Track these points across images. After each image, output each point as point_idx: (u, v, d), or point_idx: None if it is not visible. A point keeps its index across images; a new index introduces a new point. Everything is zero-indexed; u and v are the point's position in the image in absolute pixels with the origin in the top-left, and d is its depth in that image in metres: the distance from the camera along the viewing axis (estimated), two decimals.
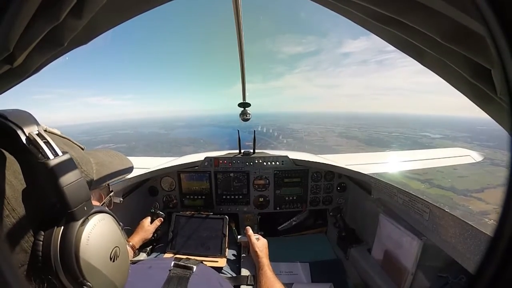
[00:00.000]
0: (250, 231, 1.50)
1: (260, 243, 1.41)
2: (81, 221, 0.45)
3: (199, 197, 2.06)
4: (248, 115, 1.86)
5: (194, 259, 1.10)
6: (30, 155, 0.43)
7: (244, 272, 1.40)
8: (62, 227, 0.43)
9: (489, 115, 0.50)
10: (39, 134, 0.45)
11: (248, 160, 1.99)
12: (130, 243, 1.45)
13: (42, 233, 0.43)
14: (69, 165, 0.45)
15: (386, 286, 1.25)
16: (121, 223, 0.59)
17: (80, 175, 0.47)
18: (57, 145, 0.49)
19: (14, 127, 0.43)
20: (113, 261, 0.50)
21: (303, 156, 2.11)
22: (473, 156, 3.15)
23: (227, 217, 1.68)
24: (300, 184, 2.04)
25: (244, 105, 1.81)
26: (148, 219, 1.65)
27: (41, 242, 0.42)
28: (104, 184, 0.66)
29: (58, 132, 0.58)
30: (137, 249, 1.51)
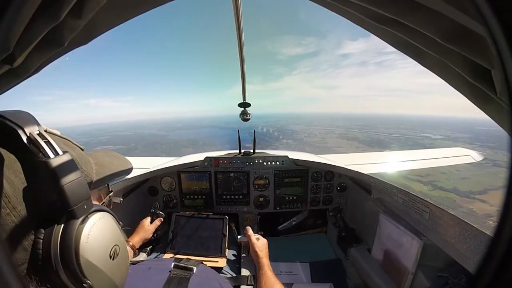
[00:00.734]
0: (250, 231, 1.50)
1: (260, 243, 1.41)
2: (81, 219, 0.45)
3: (199, 197, 2.06)
4: (248, 115, 1.87)
5: (194, 259, 1.09)
6: (31, 154, 0.44)
7: (244, 272, 1.40)
8: (62, 225, 0.44)
9: (489, 116, 0.50)
10: (39, 134, 0.46)
11: (248, 160, 1.99)
12: (130, 243, 1.45)
13: (42, 231, 0.43)
14: (69, 164, 0.46)
15: (386, 286, 1.25)
16: (120, 223, 0.59)
17: (80, 174, 0.47)
18: (58, 144, 0.49)
19: (15, 127, 0.44)
20: (113, 259, 0.50)
21: (303, 156, 2.11)
22: (473, 156, 3.15)
23: (227, 217, 1.68)
24: (300, 184, 2.04)
25: (244, 105, 1.81)
26: (148, 219, 1.65)
27: (41, 240, 0.42)
28: (103, 184, 0.66)
29: (58, 133, 0.58)
30: (137, 249, 1.51)
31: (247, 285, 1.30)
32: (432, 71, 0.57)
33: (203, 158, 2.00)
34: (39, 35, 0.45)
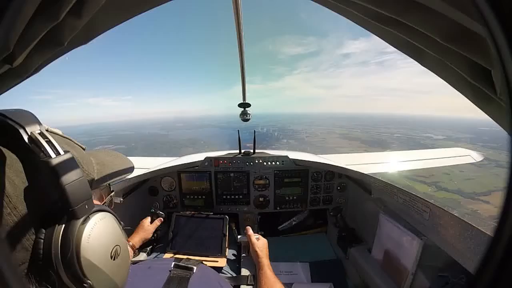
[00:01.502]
0: (250, 231, 1.50)
1: (260, 243, 1.41)
2: (82, 219, 0.45)
3: (199, 197, 2.06)
4: (248, 115, 1.87)
5: (194, 259, 1.09)
6: (32, 154, 0.44)
7: (244, 272, 1.40)
8: (63, 225, 0.44)
9: (489, 116, 0.50)
10: (41, 133, 0.46)
11: (248, 160, 1.99)
12: (130, 243, 1.45)
13: (43, 231, 0.43)
14: (70, 164, 0.46)
15: (386, 285, 1.25)
16: (122, 223, 0.59)
17: (81, 173, 0.47)
18: (58, 145, 0.49)
19: (16, 126, 0.44)
20: (114, 259, 0.50)
21: (303, 156, 2.11)
22: (473, 156, 3.16)
23: (227, 217, 1.68)
24: (300, 184, 2.04)
25: (244, 105, 1.81)
26: (148, 219, 1.65)
27: (42, 240, 0.42)
28: (105, 184, 0.66)
29: (60, 132, 0.58)
30: (137, 249, 1.51)
31: (247, 285, 1.30)
32: (432, 71, 0.57)
33: (203, 158, 2.00)
34: (39, 35, 0.45)
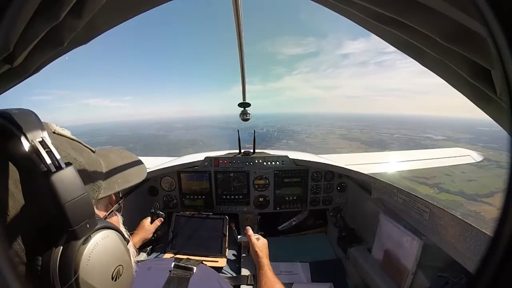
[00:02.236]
0: (250, 231, 1.50)
1: (260, 243, 1.41)
2: (82, 239, 0.42)
3: (199, 197, 2.06)
4: (248, 115, 1.87)
5: (194, 259, 1.09)
6: (32, 164, 0.41)
7: (244, 272, 1.40)
8: (62, 247, 0.41)
9: (489, 116, 0.50)
10: (42, 142, 0.42)
11: (248, 160, 1.99)
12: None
13: (40, 258, 0.40)
14: (72, 179, 0.42)
15: (386, 286, 1.25)
16: (128, 237, 0.55)
17: (83, 190, 0.43)
18: (64, 150, 0.46)
19: (17, 132, 0.41)
20: (115, 280, 0.47)
21: (303, 156, 2.11)
22: (473, 156, 3.16)
23: (227, 217, 1.68)
24: (300, 184, 2.04)
25: (244, 105, 1.82)
26: (148, 219, 1.65)
27: (39, 267, 0.40)
28: (113, 192, 0.60)
29: (68, 134, 0.55)
30: (137, 249, 1.51)
31: (247, 284, 1.30)
32: (432, 71, 0.57)
33: (203, 158, 2.00)
34: (39, 35, 0.45)
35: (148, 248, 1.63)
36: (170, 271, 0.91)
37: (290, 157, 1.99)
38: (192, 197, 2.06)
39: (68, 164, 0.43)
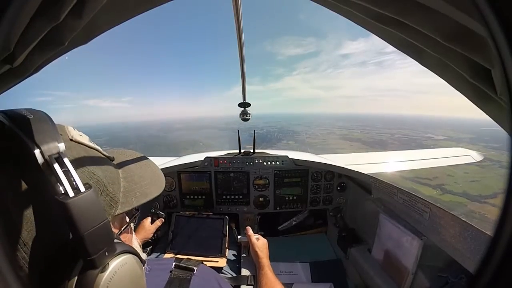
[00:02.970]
0: (250, 231, 1.50)
1: (260, 243, 1.41)
2: (100, 268, 0.39)
3: (199, 197, 2.06)
4: (248, 115, 1.87)
5: (194, 259, 1.10)
6: (46, 184, 0.36)
7: (244, 272, 1.40)
8: (77, 276, 0.37)
9: (489, 116, 0.50)
10: (58, 158, 0.37)
11: (248, 160, 1.99)
12: None
13: None
14: (92, 205, 0.38)
15: (386, 286, 1.25)
16: (144, 261, 0.51)
17: (104, 216, 0.39)
18: (82, 163, 0.42)
19: (30, 143, 0.36)
20: None
21: (303, 156, 2.11)
22: (473, 156, 3.16)
23: (227, 217, 1.68)
24: (300, 184, 2.04)
25: (244, 105, 1.82)
26: (149, 219, 1.65)
27: None
28: (130, 208, 0.55)
29: (86, 141, 0.50)
30: None
31: (247, 285, 1.30)
32: (432, 71, 0.57)
33: (203, 158, 2.00)
34: (39, 35, 0.45)
35: (148, 248, 1.63)
36: (170, 271, 0.91)
37: (290, 157, 1.99)
38: (192, 197, 2.06)
39: (87, 187, 0.39)
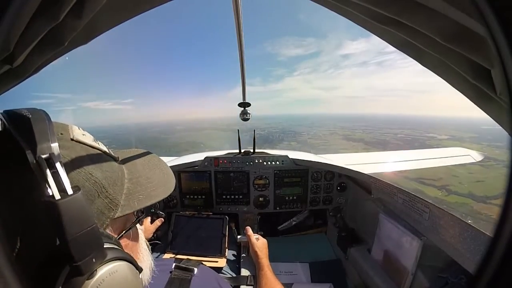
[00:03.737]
0: (250, 231, 1.50)
1: (260, 243, 1.41)
2: (86, 275, 0.37)
3: (199, 197, 2.06)
4: (248, 115, 1.87)
5: (194, 259, 1.10)
6: (35, 185, 0.35)
7: (244, 272, 1.40)
8: (62, 283, 0.35)
9: (489, 115, 0.50)
10: (49, 159, 0.36)
11: (248, 159, 1.99)
12: None
13: None
14: (79, 209, 0.36)
15: (386, 286, 1.25)
16: (141, 268, 0.49)
17: (92, 221, 0.38)
18: (79, 163, 0.40)
19: (23, 143, 0.35)
20: None
21: (303, 156, 2.11)
22: (473, 156, 3.16)
23: (227, 217, 1.68)
24: (300, 184, 2.04)
25: (244, 104, 1.82)
26: (148, 219, 1.64)
27: None
28: (131, 210, 0.52)
29: (89, 141, 0.48)
30: None
31: (247, 285, 1.30)
32: (432, 71, 0.57)
33: (203, 158, 2.00)
34: (39, 35, 0.45)
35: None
36: (171, 272, 0.91)
37: (290, 157, 1.99)
38: (192, 197, 2.05)
39: (76, 189, 0.37)
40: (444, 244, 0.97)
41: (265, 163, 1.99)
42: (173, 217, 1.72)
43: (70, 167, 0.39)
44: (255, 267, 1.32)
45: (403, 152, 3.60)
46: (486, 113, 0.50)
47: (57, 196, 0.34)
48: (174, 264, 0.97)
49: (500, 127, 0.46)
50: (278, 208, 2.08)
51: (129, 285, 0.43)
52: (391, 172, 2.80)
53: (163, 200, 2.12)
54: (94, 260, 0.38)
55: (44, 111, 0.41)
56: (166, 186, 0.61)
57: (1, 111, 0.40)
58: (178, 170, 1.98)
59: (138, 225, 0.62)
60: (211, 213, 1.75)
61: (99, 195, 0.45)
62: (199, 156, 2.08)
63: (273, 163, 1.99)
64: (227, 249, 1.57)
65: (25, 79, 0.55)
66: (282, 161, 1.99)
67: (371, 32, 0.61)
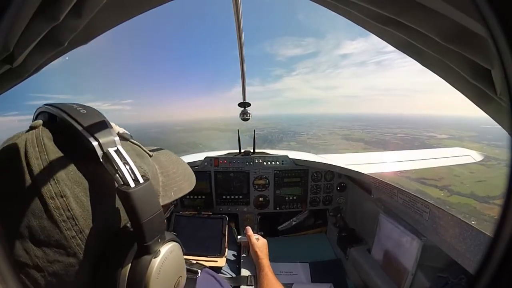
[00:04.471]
0: (250, 231, 1.49)
1: (260, 243, 1.40)
2: (153, 254, 0.41)
3: (199, 197, 2.05)
4: (248, 115, 1.87)
5: (193, 259, 1.09)
6: (104, 174, 0.39)
7: (244, 272, 1.40)
8: (132, 261, 0.39)
9: (489, 115, 0.50)
10: (117, 151, 0.39)
11: (248, 160, 1.99)
12: None
13: (108, 270, 0.39)
14: (150, 196, 0.40)
15: (386, 286, 1.25)
16: (184, 249, 0.53)
17: (159, 206, 0.42)
18: (132, 157, 0.43)
19: (90, 138, 0.38)
20: None
21: (303, 156, 2.11)
22: (473, 156, 3.15)
23: (226, 217, 1.68)
24: (300, 184, 2.04)
25: (244, 104, 1.82)
26: None
27: (108, 271, 0.39)
28: (170, 201, 0.56)
29: (129, 137, 0.52)
30: None
31: (247, 285, 1.30)
32: (432, 71, 0.57)
33: (203, 158, 2.00)
34: (39, 35, 0.45)
35: None
36: None
37: (290, 157, 1.99)
38: (191, 197, 2.05)
39: (145, 178, 0.41)
40: (444, 244, 0.97)
41: (265, 163, 1.99)
42: (173, 217, 1.72)
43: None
44: (255, 267, 1.32)
45: (403, 152, 3.60)
46: (486, 113, 0.50)
47: (132, 184, 0.38)
48: None
49: (498, 126, 0.46)
50: (278, 208, 2.07)
51: (181, 262, 0.50)
52: (391, 172, 2.79)
53: None
54: (159, 240, 0.42)
55: (94, 108, 0.44)
56: (190, 180, 0.65)
57: (44, 104, 0.43)
58: None
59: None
60: (211, 213, 1.75)
61: None
62: (199, 156, 2.08)
63: (273, 163, 1.99)
64: (227, 249, 1.57)
65: (25, 79, 0.55)
66: (282, 161, 1.99)
67: (370, 32, 0.61)
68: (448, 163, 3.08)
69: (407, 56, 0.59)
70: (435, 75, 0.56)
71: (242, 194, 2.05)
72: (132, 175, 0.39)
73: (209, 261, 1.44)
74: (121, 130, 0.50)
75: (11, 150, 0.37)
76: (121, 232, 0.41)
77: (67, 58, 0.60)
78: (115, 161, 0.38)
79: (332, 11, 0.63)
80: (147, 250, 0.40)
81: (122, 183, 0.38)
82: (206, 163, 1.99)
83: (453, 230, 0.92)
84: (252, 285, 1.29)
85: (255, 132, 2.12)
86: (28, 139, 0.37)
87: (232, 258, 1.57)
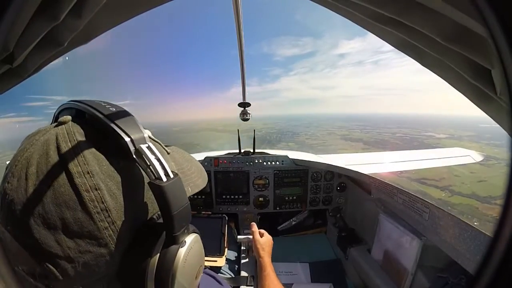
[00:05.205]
0: (254, 227, 1.43)
1: (263, 240, 1.35)
2: (180, 243, 0.43)
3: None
4: (248, 115, 1.87)
5: None
6: (135, 169, 0.41)
7: (244, 272, 1.40)
8: (160, 250, 0.41)
9: (489, 115, 0.50)
10: (149, 148, 0.42)
11: (248, 160, 1.99)
12: None
13: (137, 259, 0.41)
14: (180, 189, 0.43)
15: (386, 286, 1.25)
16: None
17: (187, 198, 0.44)
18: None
19: (123, 135, 0.40)
20: (196, 278, 0.50)
21: (303, 156, 2.11)
22: (473, 156, 3.15)
23: (226, 216, 1.68)
24: (300, 184, 2.04)
25: (244, 104, 1.81)
26: None
27: (137, 260, 0.40)
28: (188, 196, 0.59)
29: (151, 135, 0.54)
30: None
31: (247, 285, 1.30)
32: (432, 71, 0.57)
33: (203, 158, 2.00)
34: (39, 35, 0.45)
35: None
36: None
37: (290, 157, 1.99)
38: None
39: (175, 173, 0.43)
40: (444, 244, 0.97)
41: (265, 163, 1.99)
42: None
43: None
44: (255, 268, 1.31)
45: (403, 152, 3.60)
46: (486, 113, 0.50)
47: (164, 179, 0.40)
48: None
49: (497, 125, 0.46)
50: (278, 208, 2.07)
51: (202, 252, 0.52)
52: (391, 172, 2.79)
53: None
54: (186, 231, 0.45)
55: (121, 106, 0.46)
56: (203, 177, 0.67)
57: (70, 100, 0.44)
58: None
59: None
60: (210, 213, 1.75)
61: None
62: (198, 156, 2.08)
63: (273, 163, 1.99)
64: (226, 249, 1.57)
65: (25, 79, 0.55)
66: (282, 161, 1.99)
67: (371, 32, 0.61)
68: (448, 163, 3.08)
69: (406, 55, 0.59)
70: (432, 74, 0.56)
71: (242, 194, 2.05)
72: (163, 170, 0.41)
73: (208, 261, 1.44)
74: (149, 133, 0.52)
75: (44, 144, 0.38)
76: (149, 223, 0.43)
77: (67, 58, 0.60)
78: (147, 156, 0.40)
79: (333, 11, 0.63)
80: (175, 240, 0.42)
81: (154, 177, 0.40)
82: (206, 163, 1.99)
83: (453, 230, 0.92)
84: (251, 286, 1.29)
85: (255, 132, 2.12)
86: (59, 133, 0.39)
87: (232, 258, 1.56)
